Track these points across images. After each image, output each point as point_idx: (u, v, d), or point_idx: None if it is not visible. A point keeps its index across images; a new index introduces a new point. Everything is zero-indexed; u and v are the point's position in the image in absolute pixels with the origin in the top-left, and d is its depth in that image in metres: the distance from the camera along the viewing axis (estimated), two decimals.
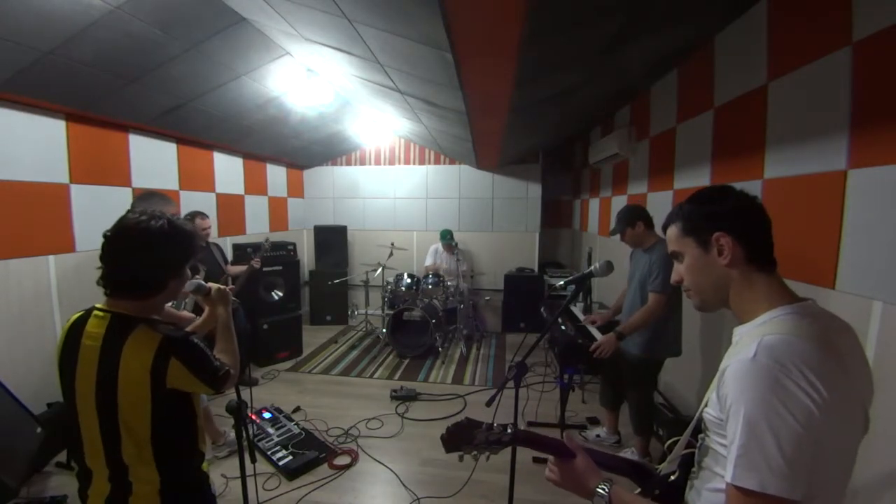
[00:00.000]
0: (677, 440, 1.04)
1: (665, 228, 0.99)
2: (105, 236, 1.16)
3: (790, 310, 0.80)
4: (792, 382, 0.69)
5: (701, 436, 0.92)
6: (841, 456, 0.73)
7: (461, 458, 1.00)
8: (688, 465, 0.99)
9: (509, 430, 0.98)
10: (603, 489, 0.90)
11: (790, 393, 0.68)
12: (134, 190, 3.51)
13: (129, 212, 1.20)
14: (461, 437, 0.97)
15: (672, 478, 1.03)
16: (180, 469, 1.20)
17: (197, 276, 1.54)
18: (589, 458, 0.98)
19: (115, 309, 1.15)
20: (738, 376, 0.73)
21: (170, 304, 2.14)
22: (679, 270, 0.96)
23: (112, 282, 1.15)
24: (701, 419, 0.89)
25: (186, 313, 2.09)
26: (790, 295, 0.84)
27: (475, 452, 0.97)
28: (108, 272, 1.15)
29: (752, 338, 0.77)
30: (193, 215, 3.39)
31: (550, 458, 1.01)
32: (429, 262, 5.61)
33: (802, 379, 0.69)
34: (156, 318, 1.20)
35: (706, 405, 0.85)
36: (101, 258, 1.15)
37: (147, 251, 1.15)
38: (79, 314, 1.19)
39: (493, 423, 0.99)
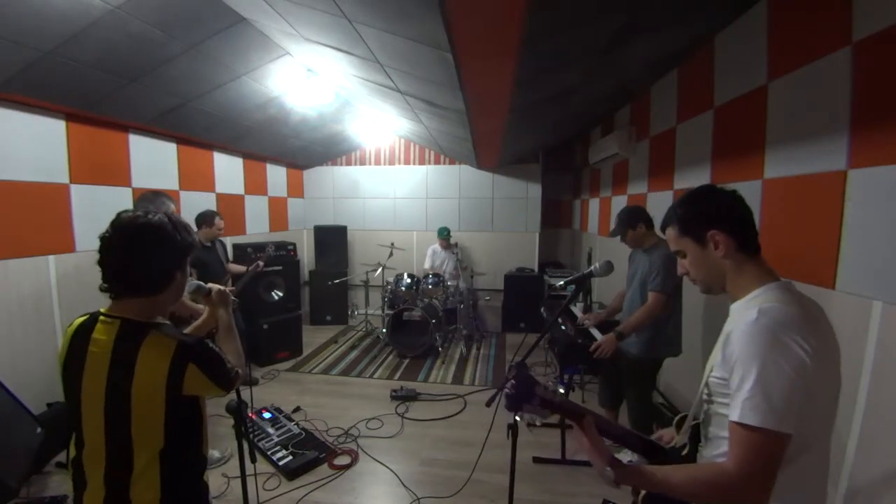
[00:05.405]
0: (685, 415, 1.13)
1: (664, 230, 1.12)
2: (103, 238, 1.10)
3: (776, 285, 0.96)
4: (788, 338, 0.84)
5: (705, 408, 1.03)
6: (827, 403, 0.90)
7: (515, 422, 1.05)
8: (696, 440, 1.08)
9: (561, 390, 1.06)
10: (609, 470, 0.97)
11: (787, 347, 0.84)
12: (134, 190, 3.52)
13: (122, 212, 1.15)
14: (524, 393, 1.01)
15: (684, 452, 1.11)
16: (183, 479, 1.16)
17: (191, 277, 1.52)
18: (599, 441, 1.02)
19: (122, 314, 1.10)
20: (743, 336, 0.88)
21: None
22: (684, 265, 1.09)
23: (120, 284, 1.10)
24: (706, 388, 1.00)
25: (200, 306, 2.06)
26: (774, 274, 1.00)
27: (530, 416, 1.03)
28: (114, 274, 1.09)
29: (750, 307, 0.92)
30: (213, 214, 3.53)
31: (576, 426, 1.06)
32: (427, 264, 5.61)
33: (797, 335, 0.84)
34: (163, 321, 1.16)
35: (711, 371, 0.98)
36: (102, 261, 1.09)
37: (153, 245, 1.11)
38: (83, 318, 1.13)
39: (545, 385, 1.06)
